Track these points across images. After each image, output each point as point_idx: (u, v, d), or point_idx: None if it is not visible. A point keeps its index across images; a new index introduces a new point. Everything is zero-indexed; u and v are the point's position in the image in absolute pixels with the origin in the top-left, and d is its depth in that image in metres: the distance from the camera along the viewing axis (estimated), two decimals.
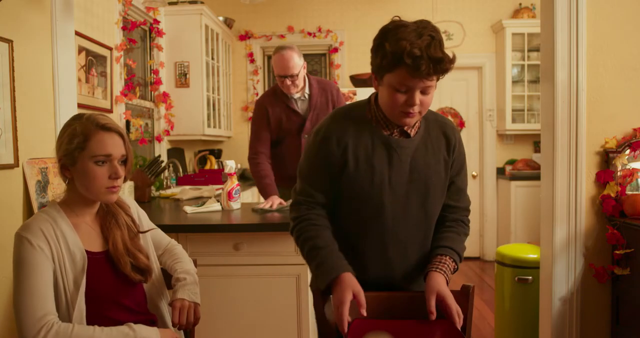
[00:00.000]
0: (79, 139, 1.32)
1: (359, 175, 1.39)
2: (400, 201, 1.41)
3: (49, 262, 1.28)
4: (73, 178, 1.36)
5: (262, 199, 2.84)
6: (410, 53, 1.23)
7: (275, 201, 2.53)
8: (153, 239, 1.60)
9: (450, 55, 1.28)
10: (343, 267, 1.33)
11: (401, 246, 1.44)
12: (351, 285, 1.29)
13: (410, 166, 1.41)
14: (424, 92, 1.31)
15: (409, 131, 1.42)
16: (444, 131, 1.48)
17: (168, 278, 1.57)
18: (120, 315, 1.37)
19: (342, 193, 1.43)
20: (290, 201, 2.47)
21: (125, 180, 1.41)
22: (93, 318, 1.32)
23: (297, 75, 2.73)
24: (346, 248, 1.42)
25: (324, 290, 1.34)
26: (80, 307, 1.30)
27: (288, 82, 2.73)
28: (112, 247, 1.40)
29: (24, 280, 1.25)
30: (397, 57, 1.25)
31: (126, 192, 2.87)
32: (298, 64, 2.72)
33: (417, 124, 1.44)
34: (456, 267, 1.44)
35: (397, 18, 1.34)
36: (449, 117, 5.15)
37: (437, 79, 1.32)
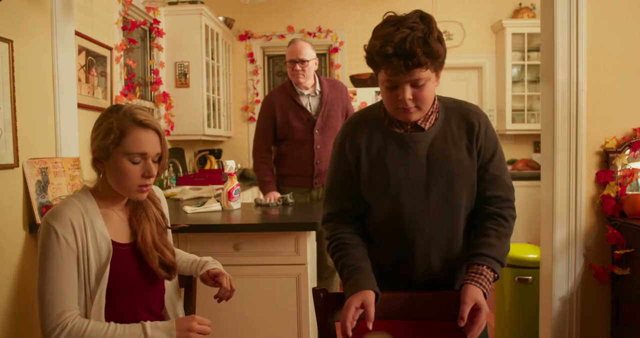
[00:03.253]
0: (115, 135, 1.28)
1: (374, 176, 1.39)
2: (420, 196, 1.37)
3: (74, 254, 1.27)
4: (105, 171, 1.33)
5: (261, 195, 2.92)
6: (379, 52, 1.23)
7: (276, 196, 2.71)
8: None
9: (436, 46, 1.24)
10: (363, 285, 1.30)
11: (426, 241, 1.39)
12: (364, 296, 1.26)
13: (428, 160, 1.37)
14: (415, 85, 1.27)
15: (422, 125, 1.38)
16: (466, 117, 1.41)
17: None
18: (138, 310, 1.37)
19: (365, 199, 1.43)
20: (285, 195, 2.67)
21: (157, 177, 1.38)
22: (111, 313, 1.31)
23: (308, 63, 2.83)
24: (375, 246, 1.44)
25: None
26: (99, 302, 1.29)
27: (298, 67, 2.82)
28: (141, 240, 1.36)
29: (47, 272, 1.25)
30: (370, 58, 1.28)
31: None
32: (310, 53, 2.86)
33: (433, 116, 1.39)
34: (496, 275, 1.33)
35: (391, 13, 1.30)
36: None
37: (434, 70, 1.27)
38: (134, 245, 1.38)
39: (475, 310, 1.23)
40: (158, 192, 1.54)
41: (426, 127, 1.38)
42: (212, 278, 1.52)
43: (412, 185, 1.37)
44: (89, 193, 1.36)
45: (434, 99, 1.39)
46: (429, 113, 1.38)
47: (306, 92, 2.88)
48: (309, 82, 2.87)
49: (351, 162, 1.41)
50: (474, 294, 1.25)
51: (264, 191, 2.88)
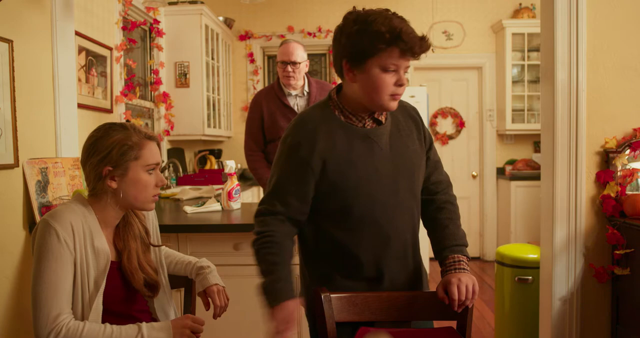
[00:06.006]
0: (135, 150, 1.33)
1: (344, 175, 1.33)
2: (391, 189, 1.37)
3: (71, 257, 1.28)
4: (117, 188, 1.34)
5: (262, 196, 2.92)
6: (405, 32, 1.24)
7: None
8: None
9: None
10: (289, 294, 1.29)
11: (401, 234, 1.40)
12: (289, 314, 1.26)
13: (392, 152, 1.38)
14: (405, 72, 1.32)
15: (379, 117, 1.39)
16: (408, 112, 1.48)
17: (172, 279, 1.59)
18: (123, 323, 1.37)
19: (327, 200, 1.36)
20: None
21: None
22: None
23: (299, 65, 2.81)
24: (341, 254, 1.39)
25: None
26: (97, 307, 1.30)
27: (289, 68, 2.80)
28: (127, 260, 1.39)
29: (44, 273, 1.25)
30: (394, 37, 1.24)
31: None
32: (302, 55, 2.83)
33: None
34: (468, 258, 1.44)
35: (360, 9, 1.33)
36: (449, 117, 5.15)
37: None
38: (118, 264, 1.39)
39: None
40: None
41: (383, 120, 1.40)
42: (204, 296, 1.53)
43: (381, 180, 1.36)
44: (89, 206, 1.37)
45: None
46: None
47: (294, 93, 2.89)
48: (298, 83, 2.87)
49: (314, 166, 1.33)
50: (460, 276, 1.35)
51: (262, 184, 2.88)
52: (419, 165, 1.43)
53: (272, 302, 1.28)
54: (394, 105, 1.33)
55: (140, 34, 3.96)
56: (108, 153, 1.32)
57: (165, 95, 4.07)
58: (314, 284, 1.44)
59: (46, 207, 2.10)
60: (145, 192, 1.36)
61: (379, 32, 1.24)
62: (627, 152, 2.24)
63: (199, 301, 1.67)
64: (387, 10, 1.31)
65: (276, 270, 1.31)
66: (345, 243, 1.38)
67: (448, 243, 1.42)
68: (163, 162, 3.91)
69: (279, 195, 1.36)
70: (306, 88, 2.91)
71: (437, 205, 1.49)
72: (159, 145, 1.42)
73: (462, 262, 1.39)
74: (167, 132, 4.12)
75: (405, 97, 4.46)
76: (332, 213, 1.38)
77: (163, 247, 1.61)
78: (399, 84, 1.30)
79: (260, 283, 1.32)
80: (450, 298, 1.32)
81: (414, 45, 1.25)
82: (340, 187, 1.34)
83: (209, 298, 1.51)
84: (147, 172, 1.35)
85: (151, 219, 1.54)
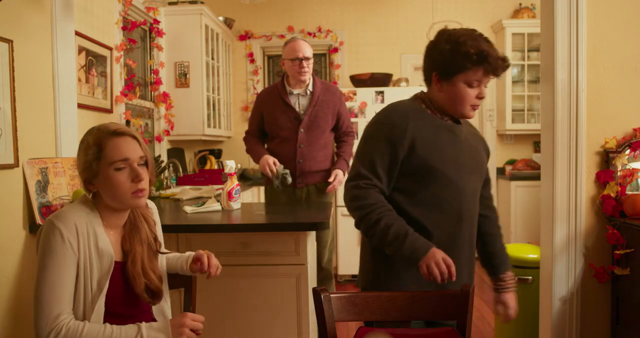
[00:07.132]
0: (93, 150, 1.32)
1: (428, 156, 1.50)
2: (467, 178, 1.56)
3: (75, 257, 1.28)
4: (98, 191, 1.35)
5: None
6: (491, 55, 1.48)
7: (269, 161, 2.85)
8: None
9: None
10: (430, 244, 1.47)
11: (470, 219, 1.59)
12: (440, 253, 1.44)
13: (468, 148, 1.60)
14: (485, 86, 1.55)
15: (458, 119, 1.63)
16: (474, 129, 1.73)
17: (171, 279, 1.59)
18: (124, 323, 1.37)
19: (409, 177, 1.52)
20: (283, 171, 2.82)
21: (151, 183, 1.39)
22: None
23: (311, 60, 2.89)
24: (417, 231, 1.51)
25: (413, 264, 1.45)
26: (99, 309, 1.30)
27: (305, 63, 2.85)
28: (131, 264, 1.38)
29: (47, 272, 1.25)
30: (481, 59, 1.46)
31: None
32: (311, 50, 2.92)
33: None
34: None
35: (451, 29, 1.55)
36: None
37: None
38: (123, 265, 1.39)
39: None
40: (155, 214, 1.55)
41: (461, 121, 1.64)
42: (195, 263, 1.53)
43: (461, 168, 1.55)
44: (94, 207, 1.37)
45: None
46: None
47: (296, 91, 2.91)
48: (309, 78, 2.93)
49: (405, 144, 1.50)
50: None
51: (257, 159, 2.95)
52: (484, 169, 1.67)
53: (426, 248, 1.43)
54: (472, 114, 1.55)
55: (140, 34, 3.96)
56: (79, 158, 1.35)
57: (165, 95, 4.07)
58: (380, 261, 1.58)
59: (46, 207, 2.10)
60: (120, 190, 1.32)
61: (468, 53, 1.46)
62: (627, 152, 2.24)
63: (198, 301, 1.67)
64: (475, 30, 1.54)
65: (410, 230, 1.47)
66: (420, 221, 1.51)
67: (506, 260, 1.70)
68: (163, 161, 3.91)
69: (374, 170, 1.52)
70: (310, 87, 2.93)
71: (492, 219, 1.74)
72: (137, 139, 1.37)
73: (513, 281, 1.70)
74: (167, 132, 4.12)
75: (405, 97, 4.46)
76: (410, 191, 1.53)
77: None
78: (480, 96, 1.53)
79: (400, 243, 1.45)
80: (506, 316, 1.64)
81: (497, 67, 1.48)
82: (425, 166, 1.50)
83: (198, 264, 1.51)
84: (114, 169, 1.31)
85: (159, 227, 1.55)
